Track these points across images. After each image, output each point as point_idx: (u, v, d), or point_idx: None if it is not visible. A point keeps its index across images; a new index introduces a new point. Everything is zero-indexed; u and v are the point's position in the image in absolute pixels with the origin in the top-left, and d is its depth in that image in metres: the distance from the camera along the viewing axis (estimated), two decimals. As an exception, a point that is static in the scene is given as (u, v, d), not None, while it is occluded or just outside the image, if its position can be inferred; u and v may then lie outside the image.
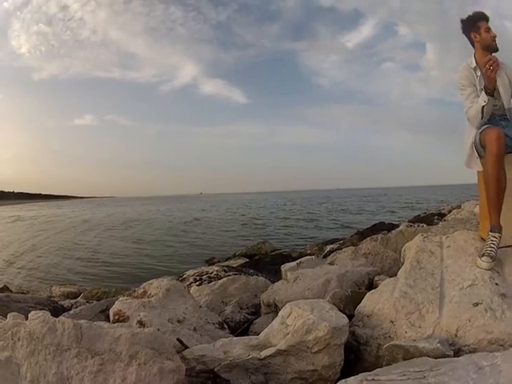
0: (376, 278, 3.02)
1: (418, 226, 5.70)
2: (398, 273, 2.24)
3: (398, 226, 5.99)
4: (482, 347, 1.57)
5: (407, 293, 1.90)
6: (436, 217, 7.74)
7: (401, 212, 23.56)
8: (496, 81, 2.24)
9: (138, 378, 1.37)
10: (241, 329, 2.91)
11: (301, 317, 1.69)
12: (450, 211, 8.06)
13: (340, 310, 1.87)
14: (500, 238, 2.12)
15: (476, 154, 2.31)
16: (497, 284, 1.88)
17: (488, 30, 2.39)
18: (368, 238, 4.37)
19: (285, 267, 3.42)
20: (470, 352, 1.56)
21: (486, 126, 2.26)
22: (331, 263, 3.94)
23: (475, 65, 2.44)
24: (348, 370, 1.70)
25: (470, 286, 1.88)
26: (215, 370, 1.68)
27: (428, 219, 7.50)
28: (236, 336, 2.40)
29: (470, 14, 2.44)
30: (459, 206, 8.26)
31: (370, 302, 1.98)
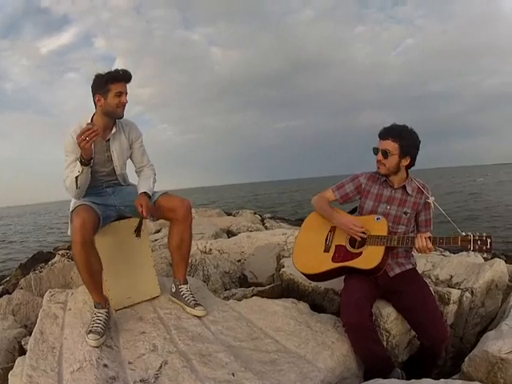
0: (22, 343, 2.52)
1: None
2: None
3: (55, 255, 5.06)
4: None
5: (32, 376, 1.67)
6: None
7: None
8: (92, 151, 2.06)
9: None
10: None
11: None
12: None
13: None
14: (106, 312, 2.08)
15: None
16: (106, 365, 1.73)
17: (120, 94, 2.10)
18: (22, 280, 3.65)
19: None
20: None
21: (77, 205, 2.09)
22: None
23: None
24: None
25: (79, 369, 1.70)
26: None
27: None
28: None
29: (110, 71, 2.09)
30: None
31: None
